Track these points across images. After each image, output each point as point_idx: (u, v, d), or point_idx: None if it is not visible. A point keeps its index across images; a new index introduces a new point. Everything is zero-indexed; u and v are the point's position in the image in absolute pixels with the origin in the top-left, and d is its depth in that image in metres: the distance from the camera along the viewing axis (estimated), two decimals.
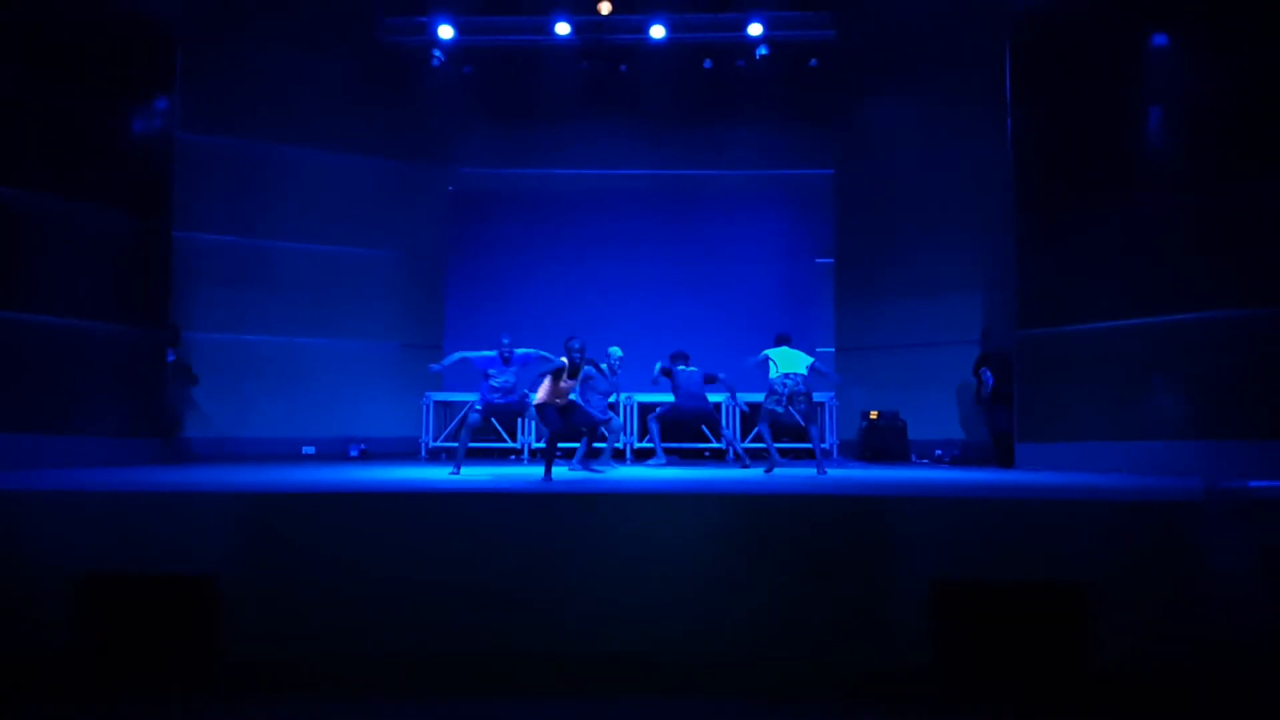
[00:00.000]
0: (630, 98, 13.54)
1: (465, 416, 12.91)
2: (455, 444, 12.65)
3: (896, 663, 4.70)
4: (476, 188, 13.84)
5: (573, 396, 8.03)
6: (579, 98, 13.47)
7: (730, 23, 13.04)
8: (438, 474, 8.16)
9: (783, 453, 9.27)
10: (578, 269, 13.12)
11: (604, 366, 8.67)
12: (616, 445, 9.80)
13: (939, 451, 11.89)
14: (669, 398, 10.49)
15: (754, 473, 8.86)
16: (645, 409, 11.71)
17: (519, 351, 8.56)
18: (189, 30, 11.10)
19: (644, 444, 11.70)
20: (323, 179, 12.93)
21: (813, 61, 13.17)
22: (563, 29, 12.92)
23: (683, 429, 10.79)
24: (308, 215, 12.84)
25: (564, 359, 7.71)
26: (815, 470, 8.63)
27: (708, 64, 13.26)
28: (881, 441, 12.00)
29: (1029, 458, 9.49)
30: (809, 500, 5.42)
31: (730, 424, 11.89)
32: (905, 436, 12.05)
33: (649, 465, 9.80)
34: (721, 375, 10.07)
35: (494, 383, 8.55)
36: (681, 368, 10.15)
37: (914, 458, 12.00)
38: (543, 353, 8.44)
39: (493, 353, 8.55)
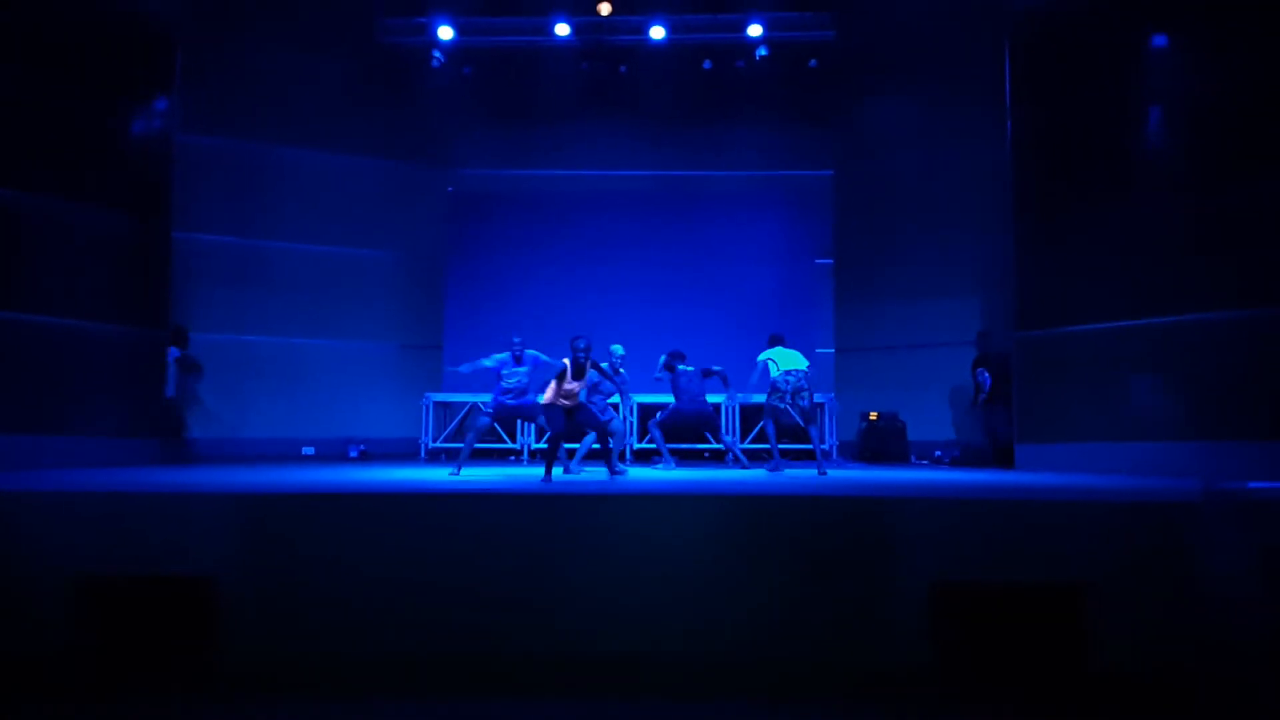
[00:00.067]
0: (630, 99, 13.55)
1: (465, 418, 13.02)
2: (455, 444, 12.74)
3: (896, 663, 4.70)
4: (476, 188, 13.84)
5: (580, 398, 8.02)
6: (579, 99, 13.49)
7: (730, 24, 13.06)
8: (437, 475, 8.16)
9: (783, 453, 9.26)
10: (577, 270, 13.13)
11: (605, 366, 8.66)
12: (619, 446, 9.78)
13: (938, 452, 11.89)
14: (667, 398, 10.48)
15: (755, 473, 8.86)
16: (645, 410, 11.70)
17: (529, 352, 8.61)
18: (189, 31, 11.10)
19: (642, 445, 11.70)
20: (322, 179, 12.94)
21: (812, 62, 13.20)
22: (562, 30, 12.94)
23: (683, 431, 10.78)
24: (307, 216, 12.85)
25: (565, 360, 7.73)
26: (815, 471, 8.63)
27: (707, 65, 13.28)
28: (881, 442, 12.00)
29: (1028, 458, 9.49)
30: (809, 501, 5.42)
31: (730, 426, 11.89)
32: (905, 437, 12.05)
33: (658, 469, 9.75)
34: (717, 368, 10.08)
35: (506, 384, 8.57)
36: (681, 368, 10.14)
37: (913, 459, 12.00)
38: (548, 359, 8.49)
39: (505, 354, 8.59)
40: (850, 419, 12.63)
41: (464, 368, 9.00)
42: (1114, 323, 8.83)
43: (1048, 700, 4.53)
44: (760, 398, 9.23)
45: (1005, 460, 10.00)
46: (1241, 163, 8.02)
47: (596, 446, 8.61)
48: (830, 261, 13.61)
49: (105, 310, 9.42)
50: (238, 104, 12.36)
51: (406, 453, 12.81)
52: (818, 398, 11.53)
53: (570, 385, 7.73)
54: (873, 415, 12.15)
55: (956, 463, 11.05)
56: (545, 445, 7.97)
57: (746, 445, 11.66)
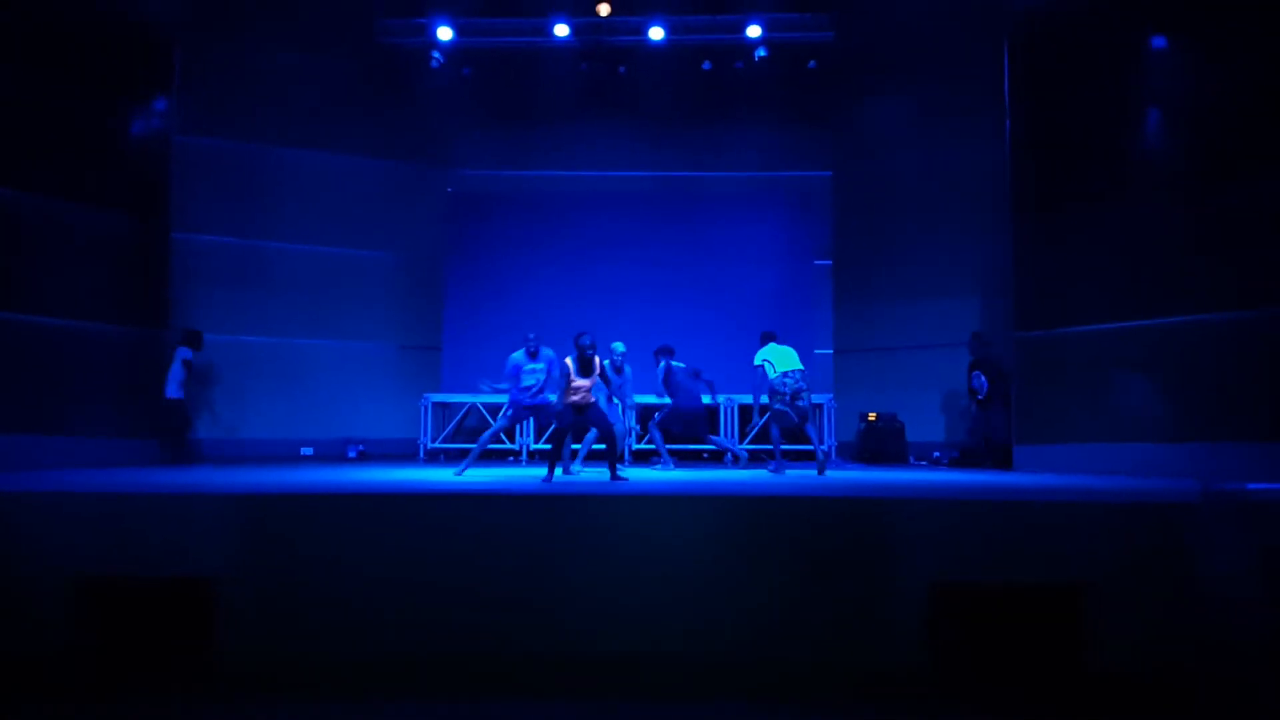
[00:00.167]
0: (629, 99, 13.55)
1: (463, 419, 13.02)
2: (454, 445, 12.74)
3: (896, 663, 4.71)
4: (475, 189, 13.84)
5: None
6: (578, 99, 13.48)
7: (729, 24, 13.05)
8: (436, 475, 8.15)
9: (783, 454, 9.26)
10: (576, 271, 13.12)
11: (605, 363, 8.65)
12: (620, 447, 9.78)
13: (937, 453, 11.89)
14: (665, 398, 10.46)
15: (756, 473, 8.86)
16: (644, 410, 11.69)
17: (545, 350, 8.60)
18: (188, 30, 11.13)
19: (641, 445, 11.70)
20: (321, 180, 12.93)
21: (811, 63, 13.18)
22: (561, 31, 12.93)
23: (682, 430, 10.74)
24: (306, 216, 12.84)
25: (569, 359, 7.74)
26: (815, 471, 8.64)
27: (706, 65, 13.27)
28: (880, 443, 12.01)
29: (1027, 459, 9.50)
30: (809, 501, 5.43)
31: (727, 426, 11.89)
32: (903, 438, 12.05)
33: (656, 469, 9.75)
34: (703, 373, 10.10)
35: (525, 382, 8.56)
36: (674, 364, 10.15)
37: (912, 459, 12.00)
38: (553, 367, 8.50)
39: (519, 352, 8.60)
40: (849, 420, 12.63)
41: (497, 385, 8.86)
42: (1113, 323, 8.83)
43: (1047, 700, 4.54)
44: (746, 398, 9.22)
45: (1003, 462, 10.01)
46: (1241, 163, 8.02)
47: (598, 447, 8.61)
48: (829, 262, 13.61)
49: (105, 310, 9.43)
50: (237, 104, 12.35)
51: (405, 453, 12.80)
52: (816, 398, 11.54)
53: (580, 382, 7.74)
54: (871, 416, 12.15)
55: (955, 463, 11.04)
56: (549, 445, 7.97)
57: (746, 445, 11.65)
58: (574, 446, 9.02)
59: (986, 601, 4.70)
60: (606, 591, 4.96)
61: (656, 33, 12.96)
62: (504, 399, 8.88)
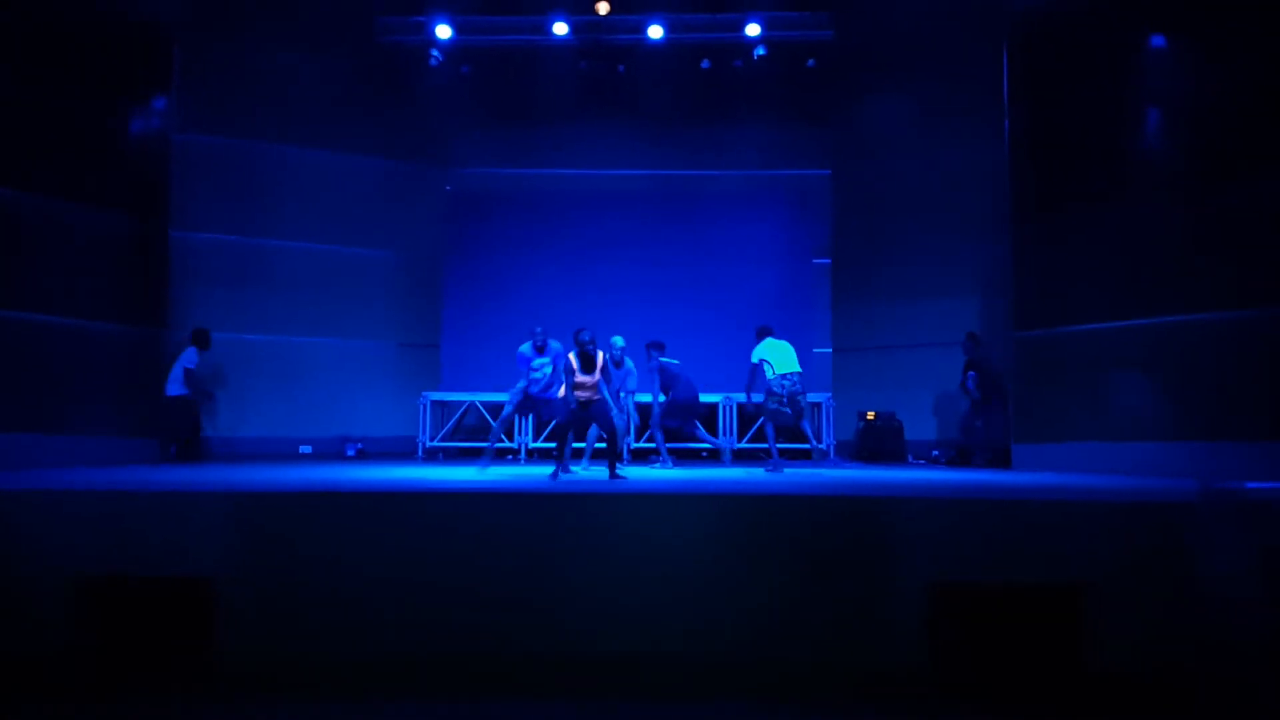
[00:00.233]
0: (628, 98, 13.54)
1: (462, 417, 13.02)
2: (452, 444, 12.76)
3: (895, 663, 4.72)
4: (475, 188, 13.83)
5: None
6: (577, 98, 13.47)
7: (728, 23, 13.04)
8: (436, 474, 8.15)
9: (780, 453, 9.27)
10: (576, 269, 13.11)
11: (606, 357, 8.65)
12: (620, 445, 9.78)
13: (935, 452, 11.89)
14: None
15: (754, 473, 8.86)
16: (643, 408, 11.68)
17: (553, 343, 8.63)
18: (187, 30, 11.11)
19: (639, 444, 11.70)
20: (321, 179, 12.92)
21: (810, 62, 13.18)
22: (560, 29, 12.92)
23: (684, 422, 10.73)
24: (306, 215, 12.83)
25: (571, 355, 7.74)
26: (812, 461, 8.64)
27: (706, 64, 13.27)
28: (878, 442, 12.00)
29: (1026, 459, 9.50)
30: (808, 501, 5.42)
31: (726, 425, 11.89)
32: (902, 437, 12.05)
33: (655, 468, 9.74)
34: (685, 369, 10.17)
35: (534, 374, 8.57)
36: (665, 360, 10.16)
37: (910, 458, 12.01)
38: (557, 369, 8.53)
39: (527, 345, 8.60)
40: (848, 418, 12.63)
41: (518, 393, 8.89)
42: (1112, 323, 8.83)
43: (1047, 700, 4.54)
44: (740, 396, 9.23)
45: (996, 461, 10.02)
46: (1240, 163, 8.01)
47: (600, 445, 8.61)
48: (828, 261, 13.62)
49: (105, 310, 9.42)
50: (236, 103, 12.34)
51: (404, 451, 12.80)
52: (815, 397, 11.54)
53: (583, 378, 7.73)
54: (870, 415, 12.15)
55: (953, 463, 11.05)
56: (552, 444, 7.98)
57: (744, 445, 11.67)
58: (578, 445, 9.02)
59: (986, 601, 4.70)
60: (606, 591, 4.96)
61: (656, 31, 12.96)
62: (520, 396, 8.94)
